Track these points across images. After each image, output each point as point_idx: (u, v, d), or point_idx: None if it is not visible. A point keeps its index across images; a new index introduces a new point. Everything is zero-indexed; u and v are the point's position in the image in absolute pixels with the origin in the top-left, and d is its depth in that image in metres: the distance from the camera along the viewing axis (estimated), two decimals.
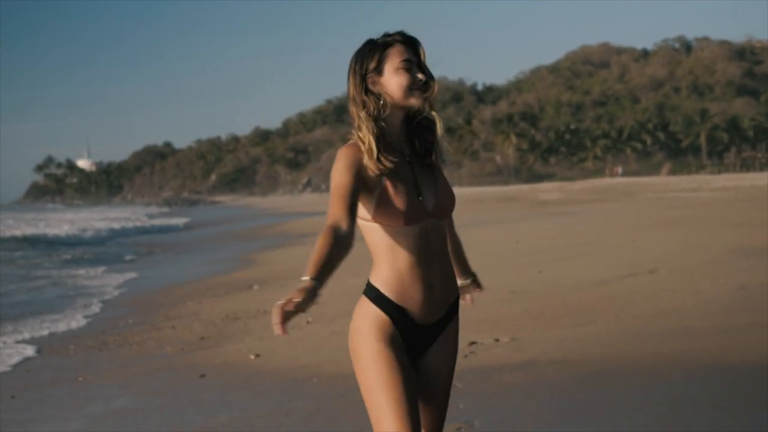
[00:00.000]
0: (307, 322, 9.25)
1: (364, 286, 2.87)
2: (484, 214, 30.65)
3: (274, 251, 21.16)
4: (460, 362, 6.61)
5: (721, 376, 5.65)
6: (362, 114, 2.80)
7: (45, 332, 10.40)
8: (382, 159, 2.76)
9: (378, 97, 2.80)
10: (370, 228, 2.84)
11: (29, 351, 9.22)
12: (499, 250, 15.08)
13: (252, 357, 7.74)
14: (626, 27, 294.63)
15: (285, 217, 46.38)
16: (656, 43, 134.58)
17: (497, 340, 7.32)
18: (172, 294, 13.47)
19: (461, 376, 6.21)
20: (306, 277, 2.45)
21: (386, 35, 2.84)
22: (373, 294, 2.81)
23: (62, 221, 54.38)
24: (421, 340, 2.80)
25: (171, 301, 12.61)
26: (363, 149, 2.78)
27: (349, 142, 2.83)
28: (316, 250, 2.52)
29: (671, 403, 5.17)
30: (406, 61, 2.80)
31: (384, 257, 2.80)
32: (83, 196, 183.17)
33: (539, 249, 14.31)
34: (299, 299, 2.39)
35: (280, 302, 2.39)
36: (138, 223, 48.11)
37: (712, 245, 12.29)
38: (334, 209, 2.68)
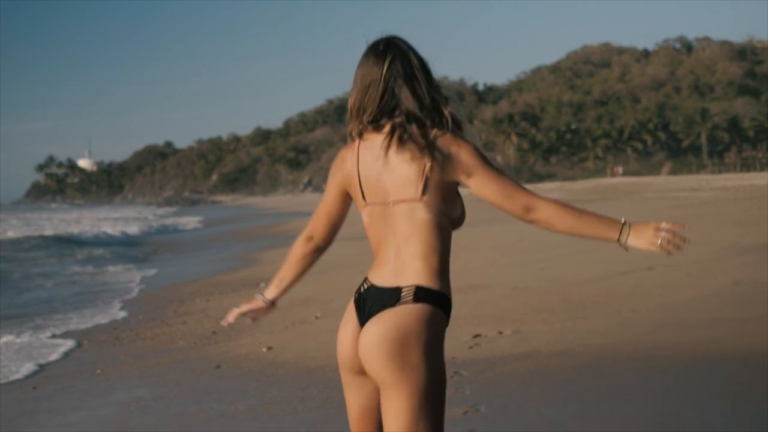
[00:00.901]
0: (316, 317, 9.52)
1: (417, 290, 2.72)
2: (487, 213, 30.75)
3: (277, 250, 21.39)
4: (466, 352, 6.90)
5: (715, 366, 5.88)
6: (449, 107, 2.74)
7: (61, 329, 10.65)
8: None
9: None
10: (446, 227, 2.75)
11: (57, 345, 9.47)
12: (502, 248, 15.37)
13: (264, 350, 8.00)
14: (627, 27, 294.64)
15: (286, 216, 46.55)
16: (657, 43, 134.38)
17: (501, 333, 7.59)
18: (179, 291, 13.72)
19: (467, 365, 6.48)
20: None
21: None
22: (448, 305, 2.72)
23: (73, 221, 54.47)
24: None
25: (179, 298, 12.87)
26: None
27: (447, 136, 2.71)
28: (578, 214, 2.71)
29: (667, 392, 5.42)
30: None
31: (446, 259, 2.76)
32: (84, 195, 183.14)
33: (541, 246, 14.54)
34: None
35: None
36: (154, 224, 48.22)
37: (710, 243, 12.49)
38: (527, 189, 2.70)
